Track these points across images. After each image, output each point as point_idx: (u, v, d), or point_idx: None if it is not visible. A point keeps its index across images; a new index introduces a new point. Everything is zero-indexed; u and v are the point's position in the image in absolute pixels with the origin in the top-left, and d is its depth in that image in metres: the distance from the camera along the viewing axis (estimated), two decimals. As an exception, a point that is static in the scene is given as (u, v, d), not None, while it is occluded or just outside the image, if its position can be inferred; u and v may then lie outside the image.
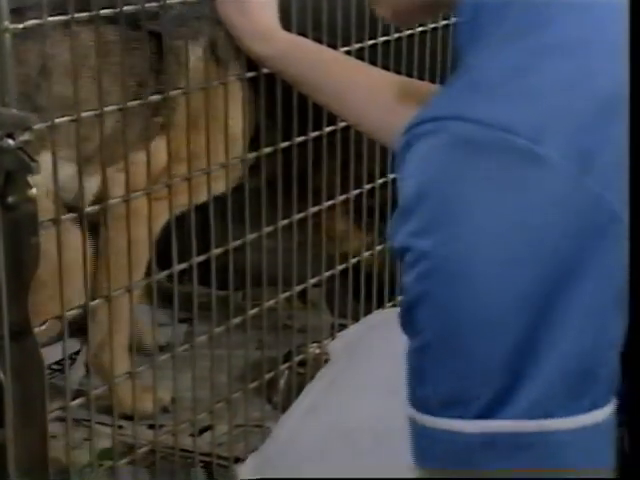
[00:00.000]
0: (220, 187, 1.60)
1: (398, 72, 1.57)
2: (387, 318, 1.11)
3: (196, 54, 1.66)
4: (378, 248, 1.83)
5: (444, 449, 0.79)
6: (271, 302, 1.68)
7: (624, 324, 0.78)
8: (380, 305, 1.82)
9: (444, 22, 1.80)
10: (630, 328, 0.77)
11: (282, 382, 1.80)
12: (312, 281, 1.73)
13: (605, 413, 0.78)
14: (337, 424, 1.15)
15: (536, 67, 0.79)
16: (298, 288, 1.71)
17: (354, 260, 1.80)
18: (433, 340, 0.79)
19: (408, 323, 0.81)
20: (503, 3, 0.84)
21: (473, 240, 0.76)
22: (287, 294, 1.70)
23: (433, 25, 1.80)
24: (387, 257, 1.82)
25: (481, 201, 0.76)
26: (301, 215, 1.67)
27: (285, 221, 1.65)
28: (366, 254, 1.81)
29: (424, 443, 0.81)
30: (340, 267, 1.76)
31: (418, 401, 0.81)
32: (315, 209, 1.69)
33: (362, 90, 1.41)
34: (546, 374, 0.76)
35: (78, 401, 1.43)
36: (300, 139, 1.63)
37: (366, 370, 1.27)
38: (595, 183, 0.75)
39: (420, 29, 1.78)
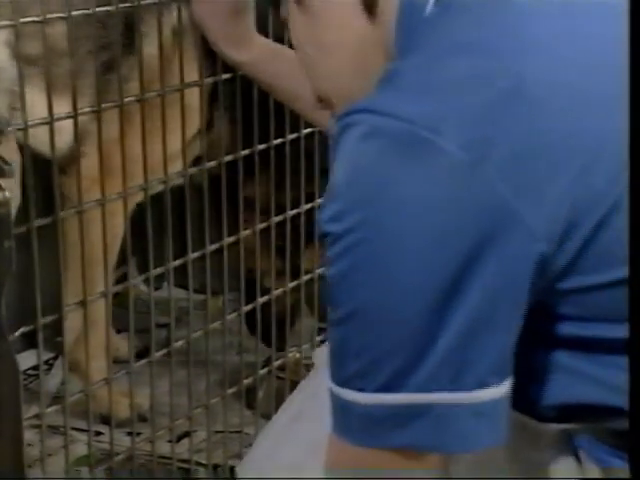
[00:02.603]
0: (177, 166, 1.59)
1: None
2: None
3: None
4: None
5: (349, 417, 0.87)
6: (249, 306, 1.69)
7: (517, 312, 0.84)
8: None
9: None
10: (630, 328, 0.80)
11: (262, 387, 1.81)
12: (291, 285, 1.74)
13: (491, 394, 0.85)
14: (323, 433, 1.16)
15: (441, 64, 0.86)
16: (277, 292, 1.73)
17: None
18: (344, 316, 0.85)
19: (329, 298, 0.87)
20: (432, 22, 0.90)
21: (380, 225, 0.82)
22: (266, 298, 1.71)
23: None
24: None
25: (387, 188, 0.82)
26: (280, 218, 1.68)
27: (263, 224, 1.66)
28: None
29: (336, 411, 0.89)
30: (319, 270, 1.76)
31: (331, 372, 0.88)
32: (293, 212, 1.71)
33: None
34: (439, 353, 0.83)
35: (54, 407, 1.44)
36: (277, 141, 1.64)
37: None
38: (489, 172, 0.80)
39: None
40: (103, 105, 1.42)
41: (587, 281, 0.85)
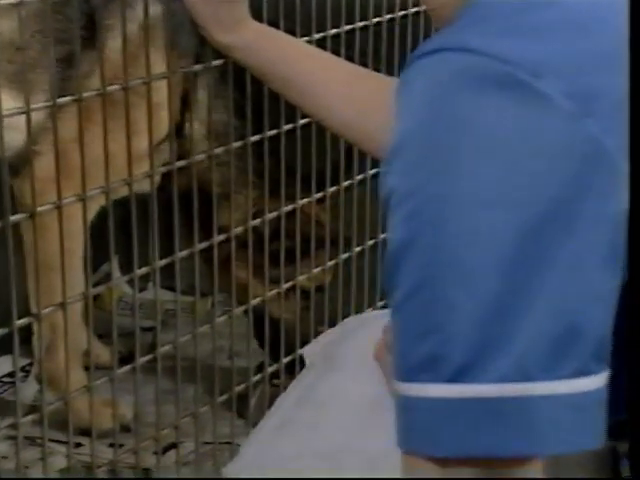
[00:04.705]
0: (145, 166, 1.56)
1: (364, 63, 1.59)
2: (364, 323, 1.15)
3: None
4: (357, 249, 1.82)
5: (416, 419, 0.78)
6: (242, 308, 1.67)
7: (615, 282, 0.77)
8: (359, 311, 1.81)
9: (413, 9, 1.81)
10: (630, 324, 0.77)
11: (254, 395, 1.79)
12: (286, 285, 1.72)
13: (592, 383, 0.77)
14: (311, 443, 1.14)
15: (546, 5, 0.81)
16: (271, 293, 1.70)
17: (331, 262, 1.79)
18: (410, 291, 0.77)
19: (390, 277, 0.79)
20: None
21: (460, 179, 0.76)
22: (259, 299, 1.69)
23: (402, 13, 1.79)
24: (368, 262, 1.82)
25: (473, 138, 0.76)
26: (273, 214, 1.66)
27: (256, 221, 1.64)
28: (345, 255, 1.81)
29: (401, 415, 0.79)
30: (316, 270, 1.75)
31: (396, 367, 0.79)
32: (289, 208, 1.68)
33: (335, 86, 1.41)
34: (528, 331, 0.75)
35: (31, 417, 1.42)
36: (272, 132, 1.62)
37: (342, 383, 1.24)
38: (595, 126, 0.75)
39: (388, 16, 1.77)
40: (60, 100, 1.38)
41: None
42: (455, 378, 0.75)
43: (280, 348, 1.72)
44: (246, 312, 1.69)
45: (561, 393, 0.75)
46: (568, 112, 0.75)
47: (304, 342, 1.62)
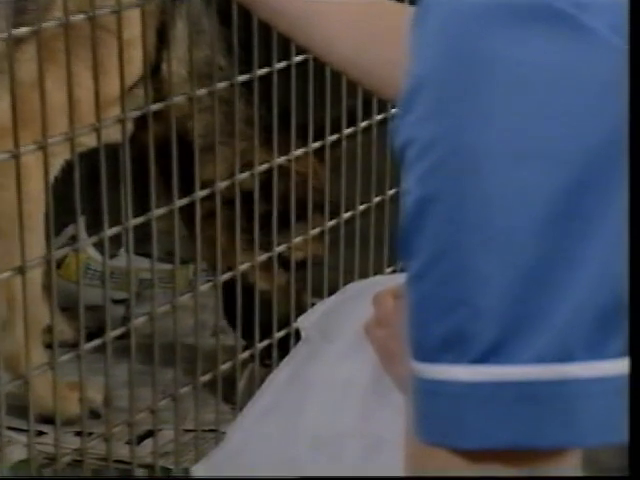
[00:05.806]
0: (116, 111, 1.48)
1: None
2: (366, 289, 1.14)
3: None
4: (361, 208, 1.75)
5: (436, 405, 0.74)
6: (227, 275, 1.61)
7: None
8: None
9: None
10: (631, 319, 0.73)
11: (242, 376, 1.75)
12: (278, 249, 1.66)
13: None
14: (301, 428, 1.13)
15: None
16: (262, 257, 1.65)
17: (331, 222, 1.72)
18: (432, 258, 0.74)
19: (407, 243, 0.76)
20: None
21: (491, 126, 0.71)
22: (247, 265, 1.63)
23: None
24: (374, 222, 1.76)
25: (505, 77, 0.72)
26: (265, 166, 1.60)
27: (244, 174, 1.57)
28: (347, 215, 1.75)
29: (418, 399, 0.76)
30: (314, 231, 1.69)
31: (414, 345, 0.76)
32: (281, 160, 1.62)
33: (333, 14, 1.34)
34: (569, 304, 0.71)
35: None
36: (263, 71, 1.56)
37: (337, 360, 1.23)
38: None
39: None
40: (16, 32, 1.31)
41: None
42: (485, 358, 0.72)
43: (273, 325, 1.67)
44: (229, 283, 1.62)
45: (607, 374, 0.72)
46: (617, 49, 0.71)
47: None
